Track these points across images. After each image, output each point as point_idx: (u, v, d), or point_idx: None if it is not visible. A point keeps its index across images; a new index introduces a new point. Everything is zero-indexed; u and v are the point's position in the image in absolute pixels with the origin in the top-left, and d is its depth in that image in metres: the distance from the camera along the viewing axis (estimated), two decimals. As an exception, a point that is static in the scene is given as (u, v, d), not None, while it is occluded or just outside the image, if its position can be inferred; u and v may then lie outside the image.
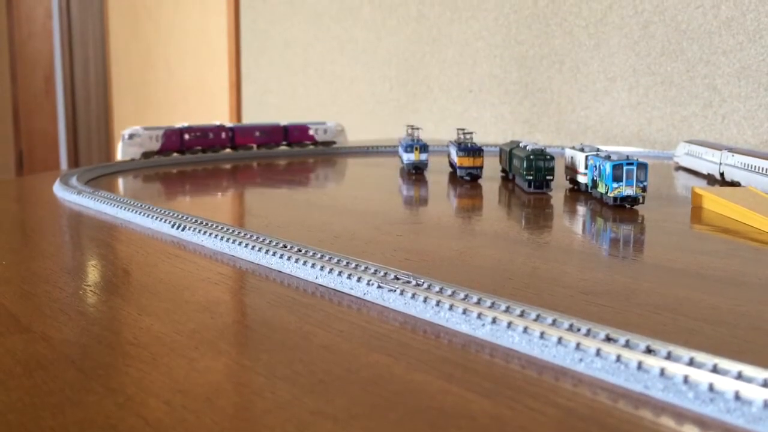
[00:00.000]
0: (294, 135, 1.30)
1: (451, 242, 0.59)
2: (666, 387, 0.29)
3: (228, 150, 1.23)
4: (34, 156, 3.98)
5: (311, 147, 1.32)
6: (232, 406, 0.29)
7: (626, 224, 0.66)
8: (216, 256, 0.54)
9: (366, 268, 0.45)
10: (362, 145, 1.39)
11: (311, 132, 1.31)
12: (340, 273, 0.44)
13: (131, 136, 1.09)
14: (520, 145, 0.89)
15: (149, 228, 0.63)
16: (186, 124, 1.17)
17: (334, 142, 1.34)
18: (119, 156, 1.08)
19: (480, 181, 0.95)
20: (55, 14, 3.98)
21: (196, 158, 1.18)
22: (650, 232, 0.64)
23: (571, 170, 0.85)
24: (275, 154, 1.28)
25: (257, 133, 1.25)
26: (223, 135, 1.21)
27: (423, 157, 1.01)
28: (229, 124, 1.24)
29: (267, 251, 0.50)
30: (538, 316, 0.35)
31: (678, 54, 1.39)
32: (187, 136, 1.16)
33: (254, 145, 1.25)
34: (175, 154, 1.16)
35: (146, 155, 1.09)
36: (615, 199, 0.71)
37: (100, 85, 3.69)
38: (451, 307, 0.38)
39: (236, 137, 1.23)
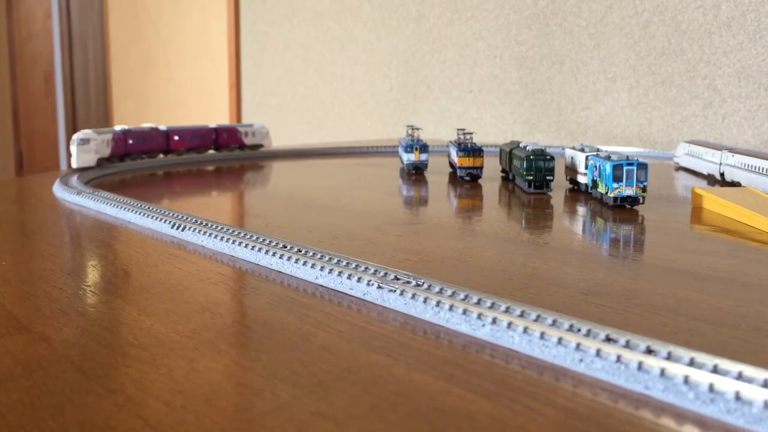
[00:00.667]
0: (223, 138, 1.20)
1: (451, 242, 0.59)
2: (666, 387, 0.29)
3: (161, 156, 1.14)
4: (33, 156, 3.98)
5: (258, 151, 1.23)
6: (232, 406, 0.29)
7: (626, 224, 0.66)
8: (216, 256, 0.54)
9: (366, 268, 0.44)
10: (362, 146, 1.39)
11: (240, 135, 1.23)
12: (340, 273, 0.44)
13: (84, 141, 0.97)
14: (520, 145, 0.89)
15: (149, 228, 0.63)
16: (126, 127, 1.06)
17: (261, 146, 1.27)
18: (74, 163, 0.96)
19: (480, 181, 0.95)
20: (54, 15, 3.98)
21: (193, 159, 1.18)
22: (650, 232, 0.64)
23: (571, 170, 0.85)
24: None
25: (190, 137, 1.15)
26: (160, 139, 1.11)
27: (423, 157, 1.01)
28: (162, 127, 1.13)
29: (267, 251, 0.50)
30: (538, 316, 0.35)
31: (678, 54, 1.39)
32: (131, 141, 1.05)
33: (186, 149, 1.15)
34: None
35: (100, 162, 0.99)
36: (615, 199, 0.71)
37: (100, 85, 3.69)
38: (451, 308, 0.38)
39: (170, 141, 1.13)
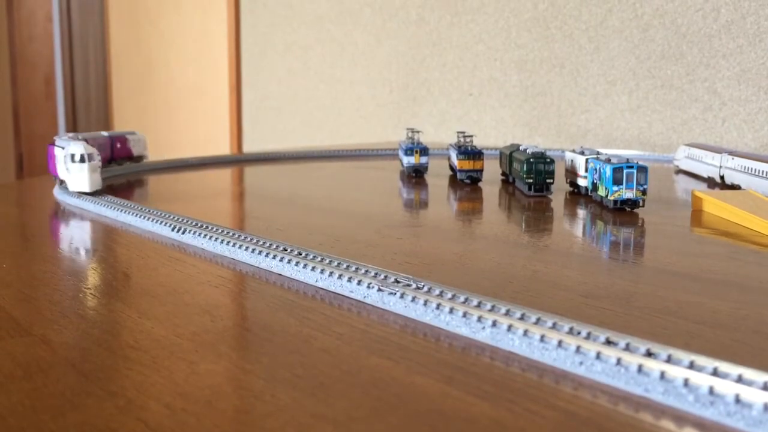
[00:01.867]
0: (117, 149, 1.01)
1: (452, 245, 0.59)
2: (666, 390, 0.29)
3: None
4: (33, 159, 3.98)
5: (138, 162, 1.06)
6: (233, 409, 0.29)
7: (626, 227, 0.66)
8: (216, 259, 0.54)
9: (366, 271, 0.45)
10: (362, 148, 1.39)
11: (129, 144, 1.04)
12: (340, 276, 0.44)
13: (90, 157, 0.77)
14: (520, 148, 0.89)
15: (149, 231, 0.63)
16: (69, 136, 0.87)
17: (143, 157, 1.08)
18: (85, 187, 0.77)
19: (480, 184, 0.95)
20: (55, 17, 3.98)
21: (196, 161, 1.18)
22: (650, 235, 0.64)
23: (571, 173, 0.85)
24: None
25: (99, 147, 0.93)
26: None
27: (423, 160, 1.01)
28: (80, 135, 0.90)
29: (267, 254, 0.50)
30: (538, 319, 0.35)
31: (678, 57, 1.40)
32: None
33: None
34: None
35: None
36: (615, 202, 0.71)
37: (101, 88, 3.69)
38: (451, 311, 0.38)
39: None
